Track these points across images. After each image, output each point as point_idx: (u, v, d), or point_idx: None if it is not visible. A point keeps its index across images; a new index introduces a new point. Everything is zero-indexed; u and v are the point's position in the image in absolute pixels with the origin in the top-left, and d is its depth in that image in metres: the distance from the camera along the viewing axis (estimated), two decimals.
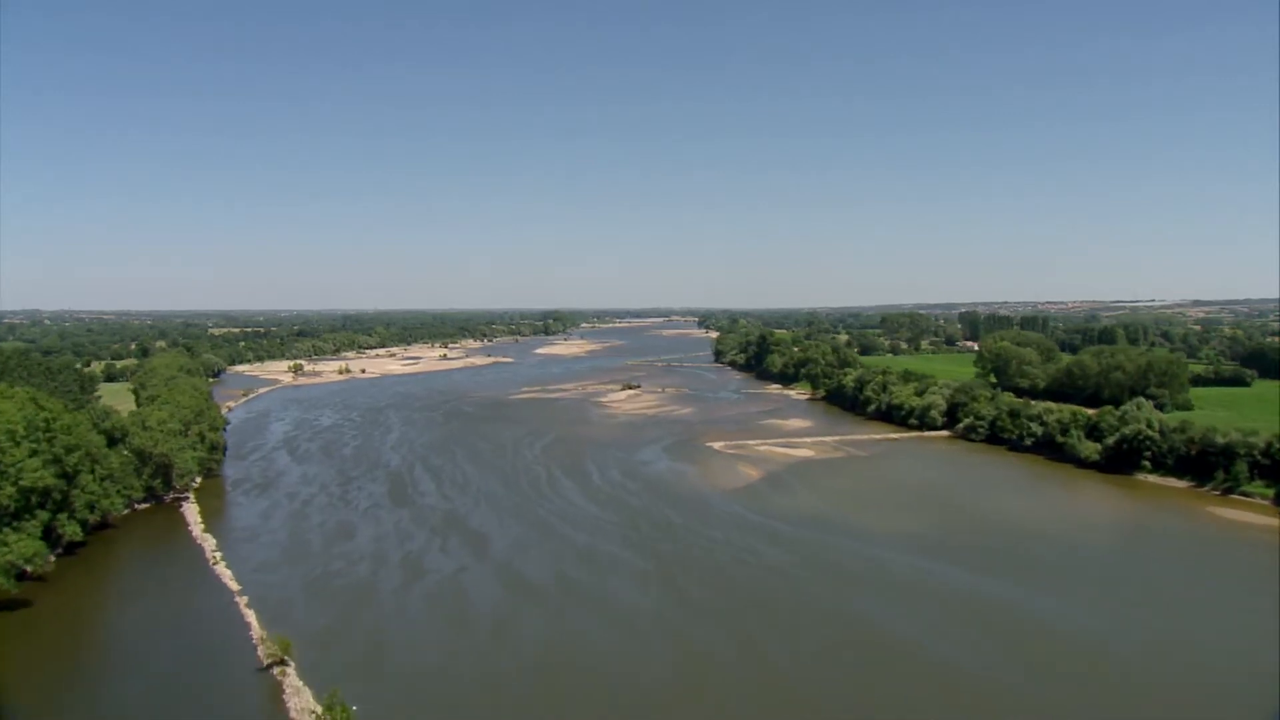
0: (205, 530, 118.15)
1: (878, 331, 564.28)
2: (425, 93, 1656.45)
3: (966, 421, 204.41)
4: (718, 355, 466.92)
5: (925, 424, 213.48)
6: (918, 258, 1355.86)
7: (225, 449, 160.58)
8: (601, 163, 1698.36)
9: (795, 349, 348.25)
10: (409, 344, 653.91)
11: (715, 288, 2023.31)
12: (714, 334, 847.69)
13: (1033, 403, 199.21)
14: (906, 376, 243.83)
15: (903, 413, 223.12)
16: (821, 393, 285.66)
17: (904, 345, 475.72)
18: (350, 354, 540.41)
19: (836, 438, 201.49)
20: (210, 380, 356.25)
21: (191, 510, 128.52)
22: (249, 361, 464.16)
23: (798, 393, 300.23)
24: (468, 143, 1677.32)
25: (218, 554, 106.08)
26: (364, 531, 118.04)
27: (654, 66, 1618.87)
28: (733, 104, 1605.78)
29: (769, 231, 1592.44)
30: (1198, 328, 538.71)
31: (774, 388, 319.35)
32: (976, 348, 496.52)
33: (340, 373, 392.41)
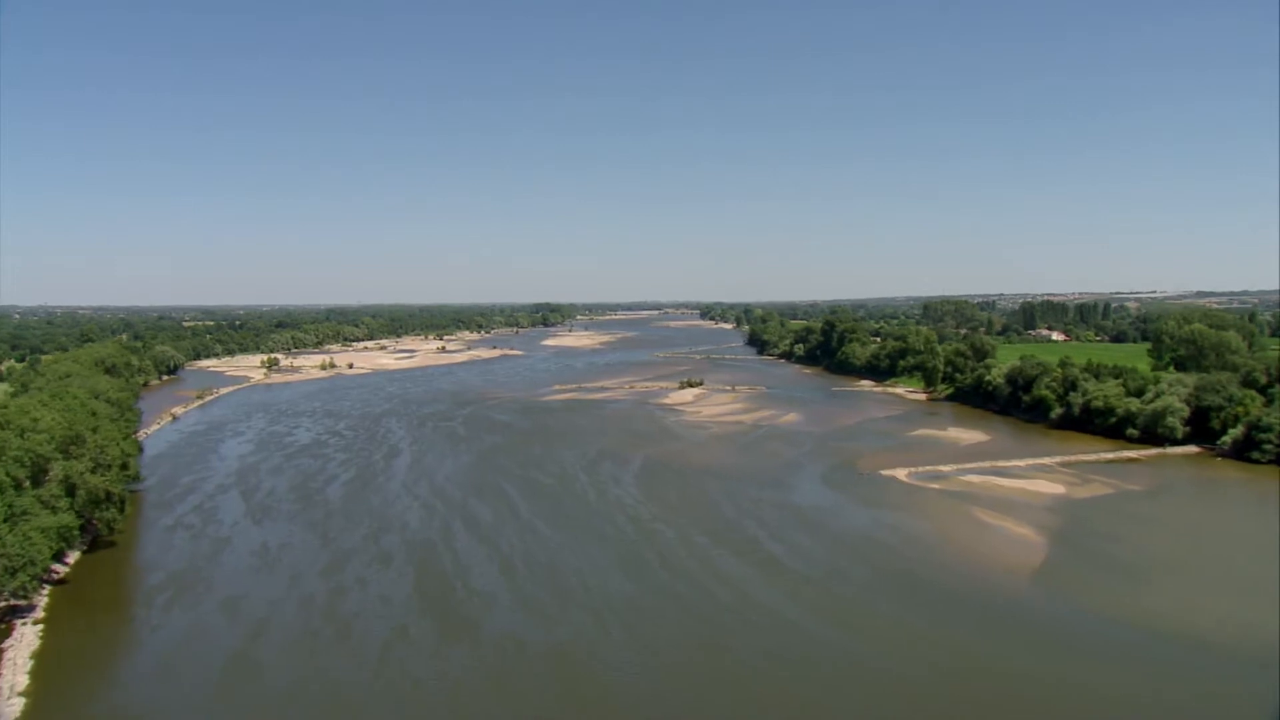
0: None
1: (914, 320, 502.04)
2: (410, 88, 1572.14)
3: (1234, 433, 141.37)
4: (762, 346, 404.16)
5: (1155, 436, 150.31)
6: (914, 252, 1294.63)
7: (123, 503, 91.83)
8: (590, 159, 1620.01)
9: (890, 339, 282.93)
10: (399, 336, 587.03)
11: (707, 282, 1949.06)
12: (724, 325, 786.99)
13: None
14: (1094, 370, 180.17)
15: (1112, 420, 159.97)
16: (947, 390, 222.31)
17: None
18: (335, 347, 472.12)
19: (1055, 459, 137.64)
20: (164, 378, 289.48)
21: (21, 651, 62.73)
22: (217, 355, 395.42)
23: (906, 390, 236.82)
24: (455, 138, 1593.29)
25: None
26: None
27: (642, 61, 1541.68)
28: (728, 100, 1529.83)
29: (764, 226, 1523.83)
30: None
31: (865, 384, 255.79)
32: (1056, 337, 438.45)
33: (323, 368, 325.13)
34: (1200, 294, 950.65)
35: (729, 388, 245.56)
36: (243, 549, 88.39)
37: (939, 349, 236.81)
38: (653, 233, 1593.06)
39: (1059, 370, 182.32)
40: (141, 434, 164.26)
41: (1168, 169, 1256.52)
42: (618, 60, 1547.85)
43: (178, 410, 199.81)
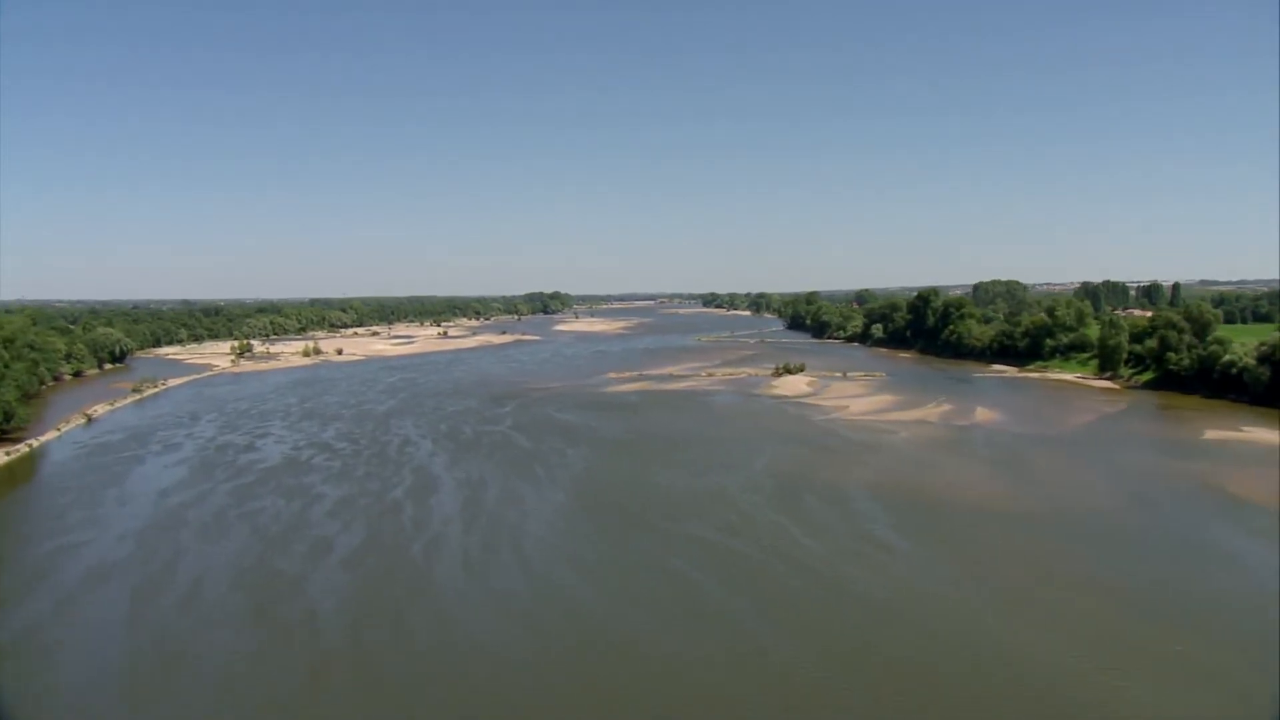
0: None
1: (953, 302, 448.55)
2: (397, 83, 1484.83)
3: None
4: (820, 329, 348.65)
5: None
6: (911, 245, 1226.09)
7: None
8: (589, 156, 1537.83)
9: (1027, 314, 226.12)
10: (391, 322, 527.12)
11: (702, 273, 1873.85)
12: (739, 312, 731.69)
13: None
14: None
15: None
16: (1144, 375, 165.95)
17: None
18: (320, 333, 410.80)
19: None
20: (107, 367, 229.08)
21: None
22: (181, 342, 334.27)
23: (1073, 375, 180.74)
24: (445, 134, 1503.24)
25: None
26: None
27: (630, 55, 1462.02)
28: (728, 95, 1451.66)
29: (764, 221, 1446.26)
30: None
31: (1002, 369, 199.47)
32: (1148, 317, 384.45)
33: (306, 354, 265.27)
34: (1204, 282, 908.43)
35: (839, 374, 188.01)
36: None
37: (1122, 323, 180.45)
38: (650, 226, 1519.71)
39: None
40: (23, 447, 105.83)
41: (1167, 161, 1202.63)
42: (616, 57, 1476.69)
43: (97, 409, 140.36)
